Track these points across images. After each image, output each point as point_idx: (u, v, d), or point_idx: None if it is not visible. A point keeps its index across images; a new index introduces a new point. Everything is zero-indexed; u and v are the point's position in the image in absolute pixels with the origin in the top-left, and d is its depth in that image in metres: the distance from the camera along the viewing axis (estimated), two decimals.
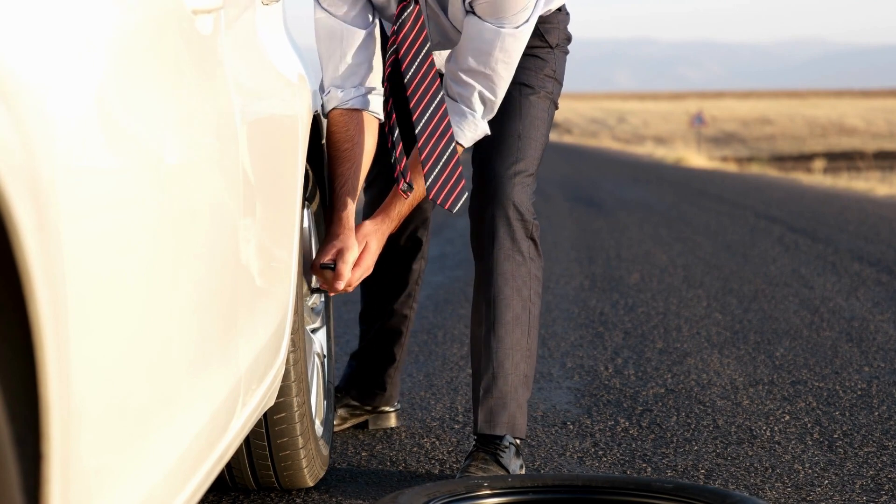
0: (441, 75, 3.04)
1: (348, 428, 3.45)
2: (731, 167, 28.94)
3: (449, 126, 2.85)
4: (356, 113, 2.94)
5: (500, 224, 2.93)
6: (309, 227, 2.96)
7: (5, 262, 1.13)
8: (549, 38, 3.11)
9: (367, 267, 2.89)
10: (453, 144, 2.86)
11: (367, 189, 3.32)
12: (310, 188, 2.94)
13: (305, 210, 2.91)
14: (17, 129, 1.13)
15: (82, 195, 1.28)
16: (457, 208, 2.86)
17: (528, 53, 3.07)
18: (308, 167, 2.89)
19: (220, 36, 2.05)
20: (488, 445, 2.92)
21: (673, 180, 19.96)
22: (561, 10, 3.17)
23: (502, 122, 3.02)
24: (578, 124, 73.83)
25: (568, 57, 3.22)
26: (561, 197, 14.83)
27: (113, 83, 1.45)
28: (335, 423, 3.40)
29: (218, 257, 1.90)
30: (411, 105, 2.85)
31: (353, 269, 2.85)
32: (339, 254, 2.84)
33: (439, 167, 2.85)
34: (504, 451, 2.91)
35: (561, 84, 3.15)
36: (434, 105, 2.85)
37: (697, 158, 32.00)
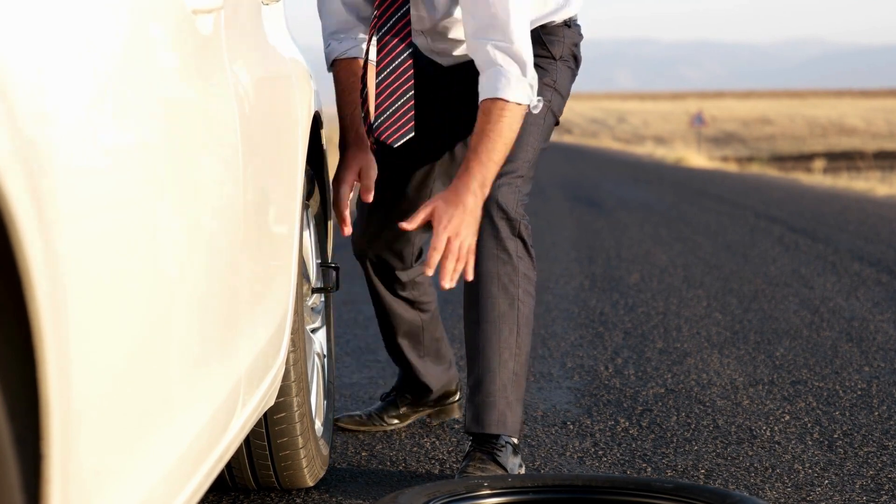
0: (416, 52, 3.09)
1: (412, 422, 3.51)
2: (731, 167, 28.93)
3: (409, 79, 2.96)
4: (354, 61, 3.07)
5: (483, 224, 2.91)
6: (309, 227, 2.96)
7: (5, 262, 1.13)
8: (552, 49, 3.10)
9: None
10: (410, 93, 2.97)
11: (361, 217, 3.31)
12: (310, 188, 2.94)
13: (305, 210, 2.91)
14: (17, 129, 1.13)
15: (82, 195, 1.28)
16: (398, 144, 2.99)
17: None
18: (308, 167, 2.89)
19: (220, 36, 2.05)
20: (485, 445, 2.91)
21: (673, 180, 19.95)
22: (570, 26, 3.13)
23: None
24: (578, 124, 73.80)
25: (573, 74, 3.19)
26: (561, 197, 14.83)
27: (113, 83, 1.45)
28: (395, 421, 3.47)
29: (218, 257, 1.90)
30: (379, 56, 2.96)
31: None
32: (363, 172, 3.03)
33: (391, 110, 2.98)
34: (501, 450, 2.89)
35: (563, 97, 3.13)
36: (400, 59, 2.96)
37: (697, 158, 32.00)
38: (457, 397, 3.53)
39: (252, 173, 2.15)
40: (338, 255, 7.39)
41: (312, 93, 2.94)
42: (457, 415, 3.53)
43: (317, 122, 2.97)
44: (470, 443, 2.98)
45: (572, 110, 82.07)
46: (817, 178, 22.17)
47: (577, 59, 3.18)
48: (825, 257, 7.91)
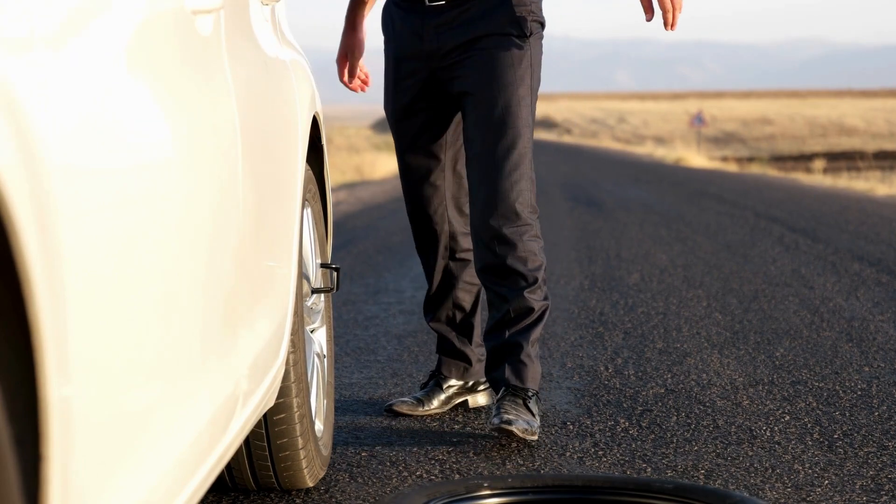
0: None
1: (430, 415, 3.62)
2: (731, 167, 28.95)
3: None
4: None
5: (518, 218, 3.29)
6: (309, 227, 2.96)
7: (5, 262, 1.12)
8: (524, 26, 3.27)
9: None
10: None
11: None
12: (310, 188, 2.94)
13: (305, 210, 2.91)
14: (18, 130, 1.13)
15: (82, 195, 1.28)
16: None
17: (505, 45, 3.23)
18: (308, 167, 2.89)
19: (219, 36, 2.05)
20: (518, 393, 3.32)
21: (673, 180, 19.96)
22: None
23: (495, 133, 3.22)
24: (578, 124, 73.83)
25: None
26: (561, 197, 14.83)
27: (112, 83, 1.45)
28: (436, 405, 3.61)
29: (218, 258, 1.90)
30: None
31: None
32: (349, 53, 3.52)
33: None
34: (531, 399, 3.32)
35: (539, 69, 3.32)
36: None
37: (697, 158, 32.02)
38: (485, 386, 3.69)
39: (252, 173, 2.15)
40: (338, 256, 7.40)
41: (312, 93, 2.94)
42: (485, 401, 3.68)
43: (316, 122, 2.97)
44: (503, 390, 3.33)
45: (572, 110, 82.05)
46: (817, 178, 22.18)
47: (542, 24, 3.36)
48: (825, 257, 7.91)
